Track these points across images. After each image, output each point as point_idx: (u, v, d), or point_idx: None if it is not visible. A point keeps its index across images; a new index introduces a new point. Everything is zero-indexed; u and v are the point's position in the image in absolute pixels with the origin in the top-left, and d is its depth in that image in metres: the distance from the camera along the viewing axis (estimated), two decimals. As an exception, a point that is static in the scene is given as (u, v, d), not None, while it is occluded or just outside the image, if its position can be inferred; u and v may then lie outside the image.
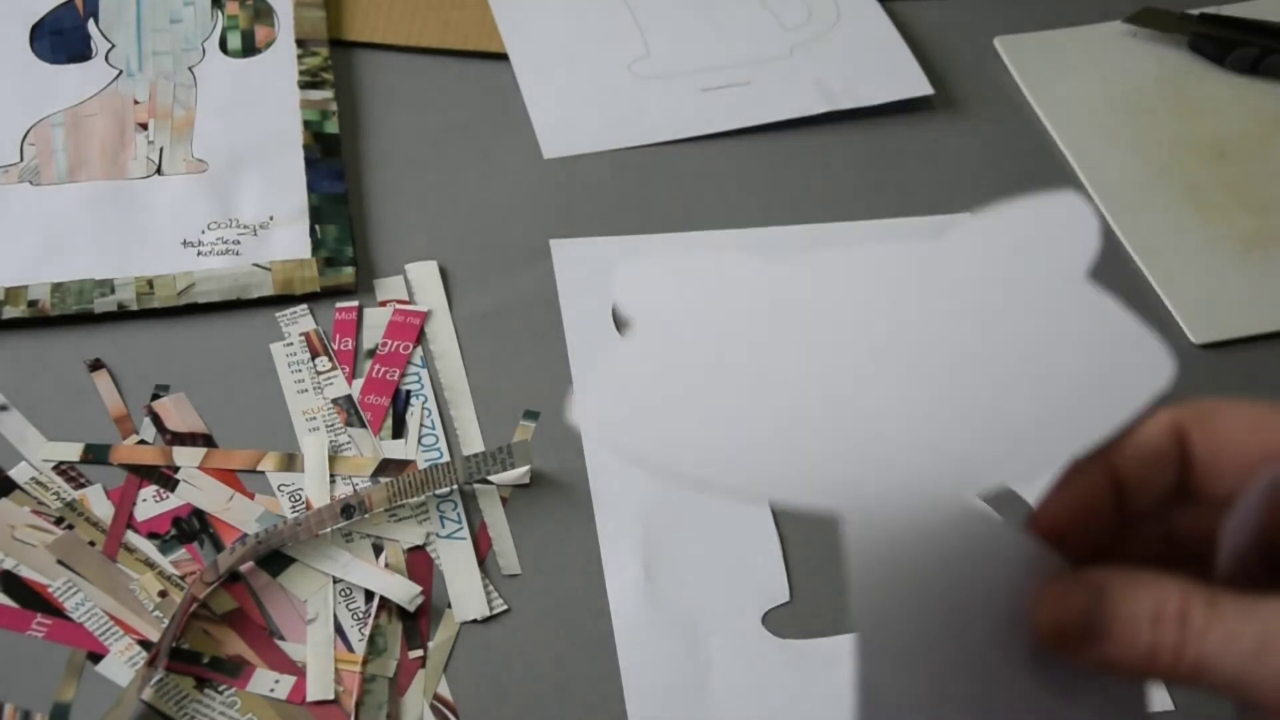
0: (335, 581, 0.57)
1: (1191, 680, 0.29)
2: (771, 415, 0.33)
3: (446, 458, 0.62)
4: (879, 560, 0.32)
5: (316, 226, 0.70)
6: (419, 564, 0.58)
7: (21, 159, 0.72)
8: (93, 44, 0.78)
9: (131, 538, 0.58)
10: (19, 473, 0.60)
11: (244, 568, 0.57)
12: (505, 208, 0.72)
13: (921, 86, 0.79)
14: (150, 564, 0.57)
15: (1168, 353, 0.34)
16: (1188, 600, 0.30)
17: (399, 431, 0.62)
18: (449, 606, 0.57)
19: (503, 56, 0.81)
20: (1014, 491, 0.37)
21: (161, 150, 0.73)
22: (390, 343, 0.66)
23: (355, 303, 0.67)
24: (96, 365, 0.64)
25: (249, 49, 0.79)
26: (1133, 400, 0.33)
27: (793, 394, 0.33)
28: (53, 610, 0.56)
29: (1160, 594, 0.30)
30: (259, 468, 0.61)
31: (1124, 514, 0.34)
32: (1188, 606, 0.30)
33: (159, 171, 0.72)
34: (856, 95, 0.79)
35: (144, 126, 0.74)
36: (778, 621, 0.57)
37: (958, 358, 0.34)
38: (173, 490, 0.60)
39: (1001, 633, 0.32)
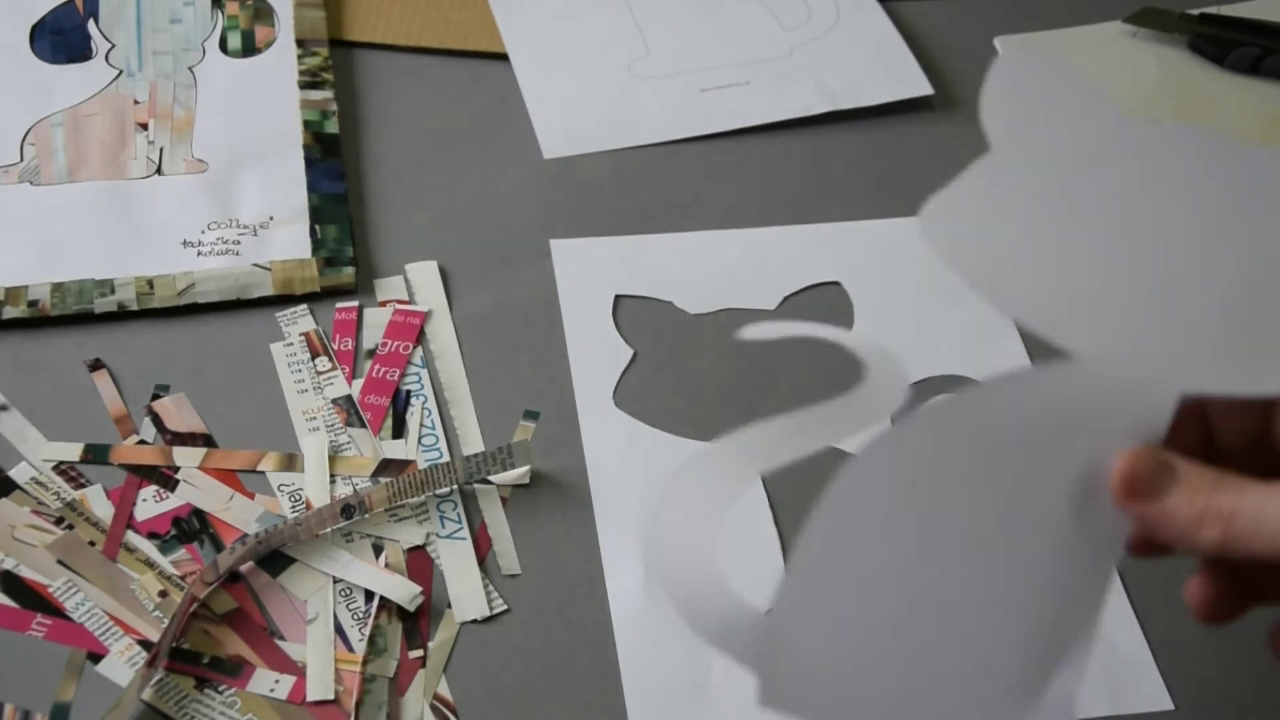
0: (335, 581, 0.57)
1: (1223, 535, 0.36)
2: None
3: (446, 458, 0.62)
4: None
5: (316, 226, 0.70)
6: (419, 564, 0.58)
7: (21, 159, 0.72)
8: (93, 44, 0.78)
9: (131, 538, 0.58)
10: (19, 473, 0.60)
11: (244, 568, 0.57)
12: (505, 208, 0.73)
13: (921, 86, 0.79)
14: (150, 564, 0.57)
15: None
16: (1231, 478, 0.37)
17: (399, 431, 0.62)
18: (449, 606, 0.57)
19: (503, 56, 0.81)
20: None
21: (161, 150, 0.73)
22: (390, 343, 0.66)
23: (355, 303, 0.67)
24: (96, 365, 0.64)
25: (249, 49, 0.79)
26: None
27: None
28: (53, 610, 0.56)
29: (1216, 473, 0.37)
30: (259, 468, 0.61)
31: (1213, 455, 0.39)
32: (1231, 480, 0.37)
33: (159, 171, 0.72)
34: (856, 95, 0.79)
35: (144, 126, 0.74)
36: (778, 621, 0.57)
37: (1229, 258, 0.38)
38: (173, 490, 0.60)
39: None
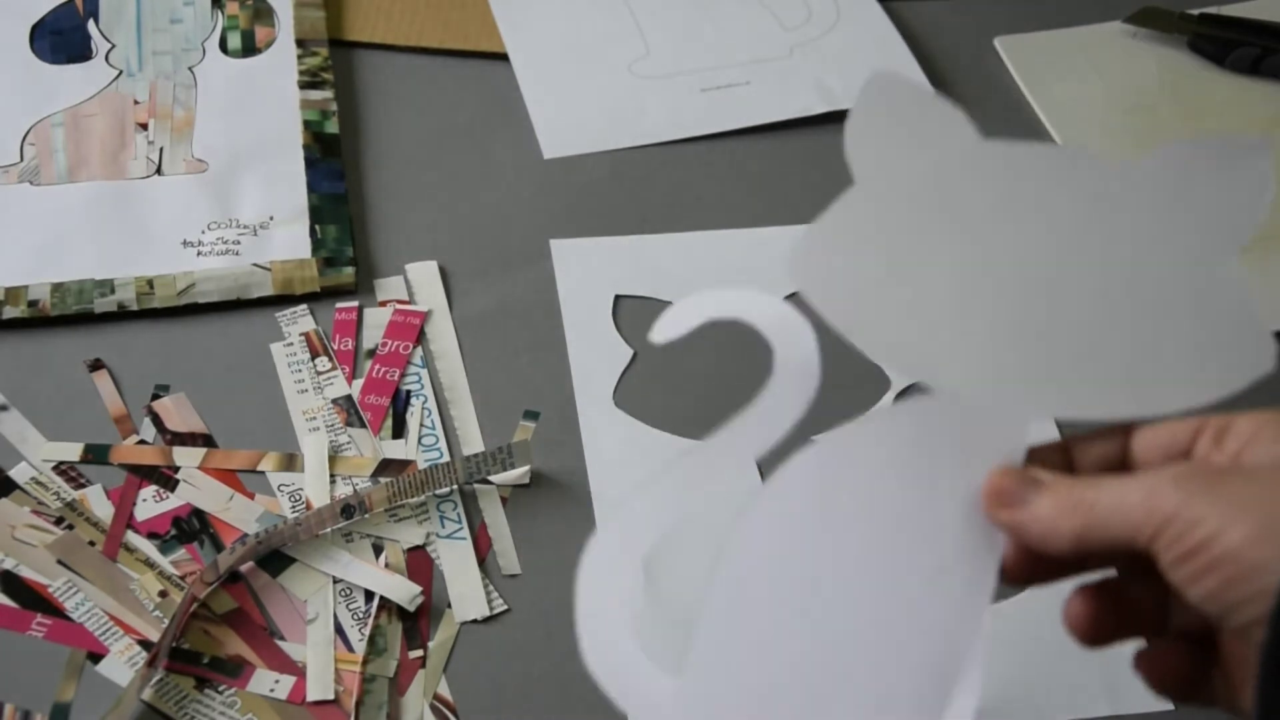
0: (335, 581, 0.57)
1: (1086, 522, 0.38)
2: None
3: (446, 458, 0.62)
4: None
5: (316, 226, 0.70)
6: (419, 564, 0.58)
7: (21, 159, 0.72)
8: (93, 44, 0.78)
9: (131, 538, 0.58)
10: (19, 473, 0.60)
11: (244, 568, 0.57)
12: (505, 208, 0.73)
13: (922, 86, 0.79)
14: (150, 564, 0.57)
15: (1271, 348, 0.40)
16: (1091, 476, 0.39)
17: (399, 431, 0.62)
18: (449, 606, 0.57)
19: (503, 56, 0.81)
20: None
21: (161, 150, 0.73)
22: (390, 343, 0.66)
23: (355, 303, 0.67)
24: (96, 365, 0.64)
25: (249, 49, 0.79)
26: (1225, 385, 0.39)
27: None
28: (53, 610, 0.56)
29: (1077, 477, 0.39)
30: (259, 468, 0.61)
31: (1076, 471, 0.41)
32: (1091, 478, 0.39)
33: (159, 171, 0.72)
34: (856, 95, 0.78)
35: (144, 126, 0.74)
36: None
37: (1079, 287, 0.40)
38: (173, 490, 0.60)
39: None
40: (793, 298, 0.68)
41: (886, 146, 0.42)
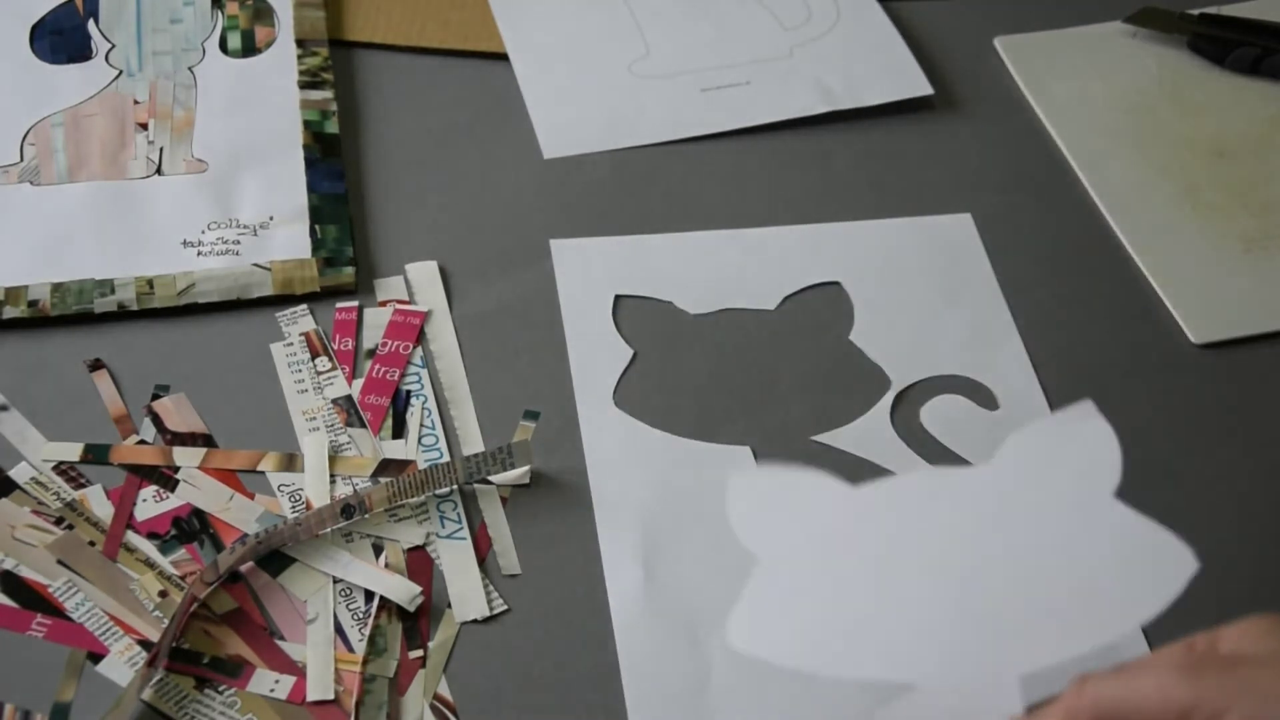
0: (335, 581, 0.57)
1: (1095, 698, 0.41)
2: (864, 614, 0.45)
3: (446, 458, 0.62)
4: None
5: (316, 226, 0.70)
6: (419, 564, 0.58)
7: (21, 159, 0.72)
8: (93, 44, 0.78)
9: (131, 538, 0.58)
10: (19, 473, 0.60)
11: (244, 568, 0.57)
12: (505, 208, 0.73)
13: (921, 86, 0.79)
14: (150, 564, 0.57)
15: (1188, 551, 0.44)
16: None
17: (399, 431, 0.63)
18: (449, 606, 0.57)
19: (503, 56, 0.81)
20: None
21: (161, 150, 0.73)
22: (390, 343, 0.66)
23: (355, 303, 0.67)
24: (96, 365, 0.64)
25: (249, 49, 0.79)
26: (1162, 595, 0.44)
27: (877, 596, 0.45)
28: (53, 610, 0.56)
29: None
30: (259, 468, 0.61)
31: None
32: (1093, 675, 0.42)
33: (159, 171, 0.72)
34: (856, 95, 0.79)
35: (144, 126, 0.74)
36: (778, 621, 0.57)
37: (994, 567, 0.45)
38: (173, 490, 0.60)
39: None
40: (792, 298, 0.69)
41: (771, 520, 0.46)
